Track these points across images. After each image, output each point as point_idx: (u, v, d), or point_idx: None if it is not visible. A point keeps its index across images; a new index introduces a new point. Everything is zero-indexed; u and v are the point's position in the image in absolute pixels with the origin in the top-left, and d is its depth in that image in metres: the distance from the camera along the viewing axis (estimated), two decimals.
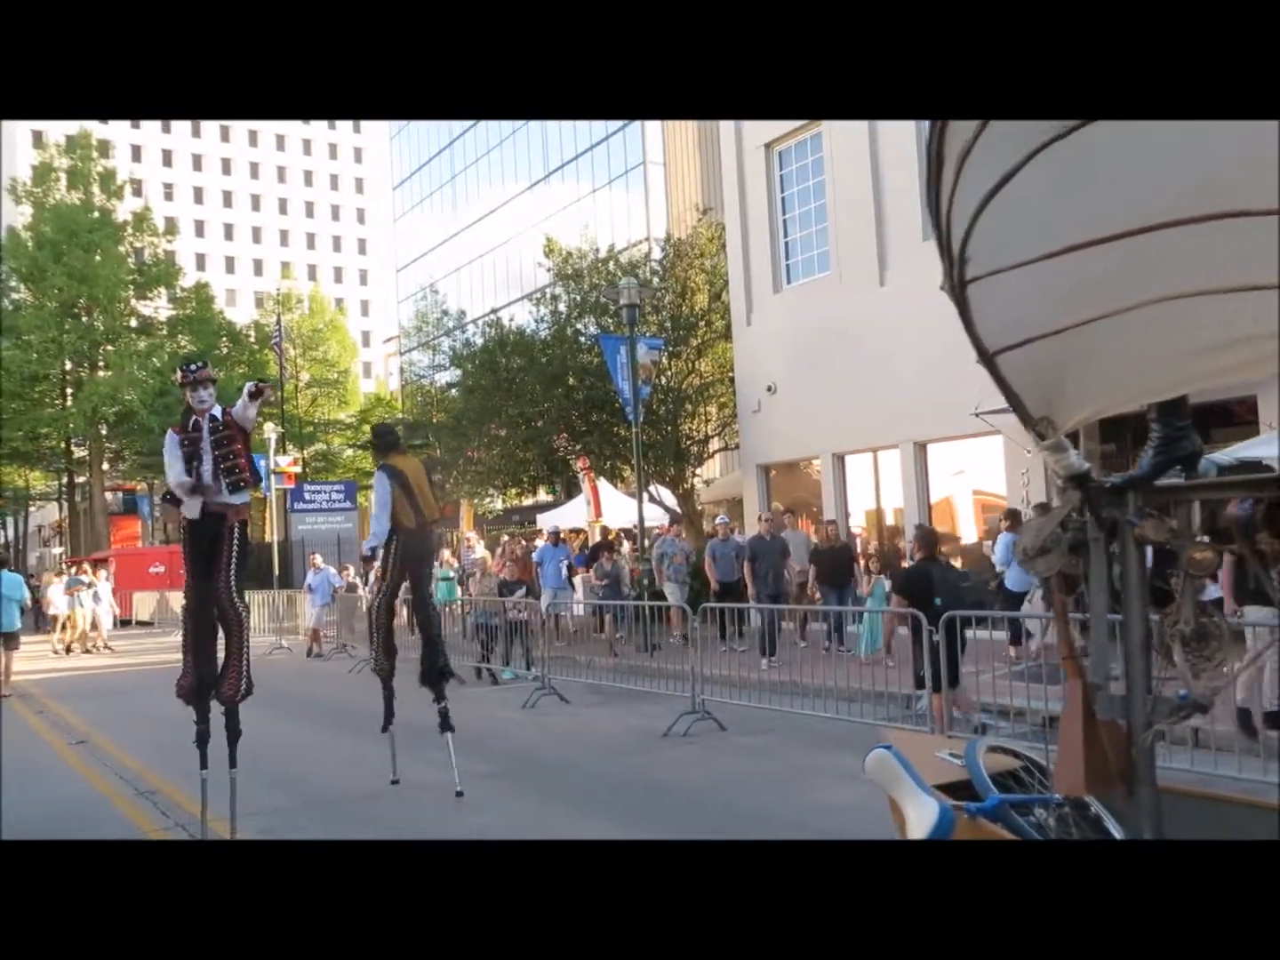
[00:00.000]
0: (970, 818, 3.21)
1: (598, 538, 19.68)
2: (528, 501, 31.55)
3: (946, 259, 2.13)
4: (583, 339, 20.46)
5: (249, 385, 5.85)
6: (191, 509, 5.86)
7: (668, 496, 20.27)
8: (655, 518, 19.75)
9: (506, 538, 25.31)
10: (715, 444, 22.01)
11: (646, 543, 15.91)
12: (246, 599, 6.07)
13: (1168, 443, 2.80)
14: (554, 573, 15.69)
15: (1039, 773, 3.45)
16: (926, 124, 1.84)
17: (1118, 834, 3.10)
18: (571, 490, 24.61)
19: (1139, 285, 2.21)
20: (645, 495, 17.33)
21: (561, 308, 21.23)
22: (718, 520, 15.63)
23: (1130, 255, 2.05)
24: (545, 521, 24.67)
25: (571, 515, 21.82)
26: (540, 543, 17.69)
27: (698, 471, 22.37)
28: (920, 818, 3.05)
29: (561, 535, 17.44)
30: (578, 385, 19.62)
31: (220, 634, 6.02)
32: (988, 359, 2.46)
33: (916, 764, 3.52)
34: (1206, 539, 2.85)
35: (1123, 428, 11.40)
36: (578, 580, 16.70)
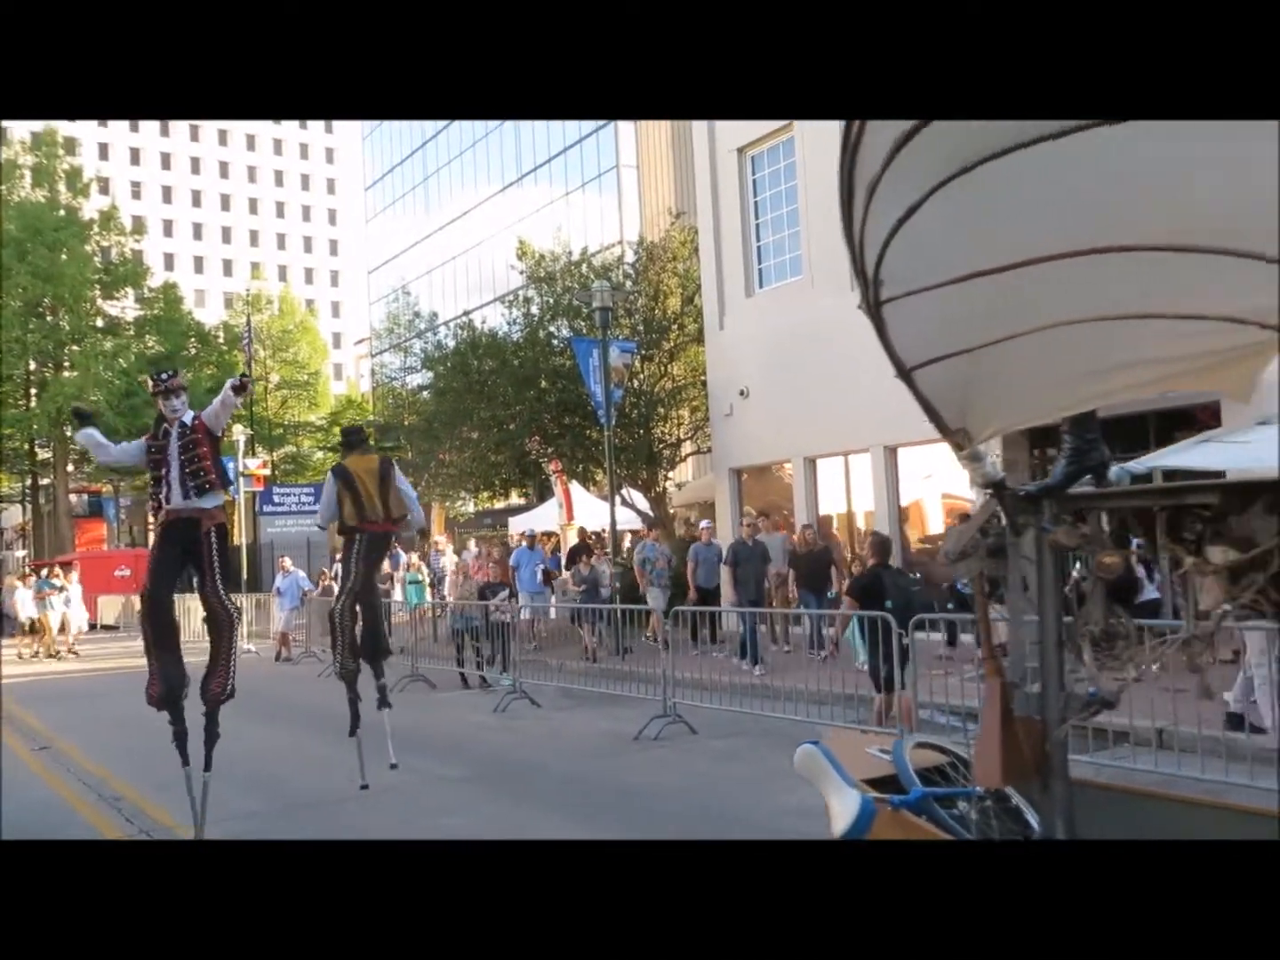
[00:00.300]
0: (893, 810, 3.34)
1: (570, 541, 19.64)
2: (499, 505, 31.44)
3: (862, 281, 2.26)
4: (555, 342, 20.44)
5: (232, 380, 5.97)
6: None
7: (640, 500, 20.28)
8: (627, 521, 19.75)
9: (473, 542, 25.24)
10: (687, 447, 22.05)
11: (625, 546, 15.91)
12: (238, 602, 6.10)
13: (1078, 453, 2.96)
14: (530, 577, 15.64)
15: (965, 767, 3.56)
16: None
17: (1036, 826, 3.23)
18: (543, 493, 24.56)
19: (1034, 311, 2.38)
20: (617, 499, 17.33)
21: (534, 310, 21.19)
22: (702, 525, 15.62)
23: (1026, 283, 2.20)
24: (517, 525, 24.60)
25: (543, 518, 21.76)
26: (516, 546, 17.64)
27: (670, 475, 22.40)
28: (842, 809, 3.17)
29: (537, 538, 17.39)
30: (550, 388, 19.59)
31: (205, 635, 6.09)
32: (905, 374, 2.63)
33: (848, 760, 3.69)
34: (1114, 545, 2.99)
35: (1056, 435, 11.55)
36: (556, 584, 16.66)
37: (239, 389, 5.93)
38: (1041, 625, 2.99)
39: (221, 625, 5.93)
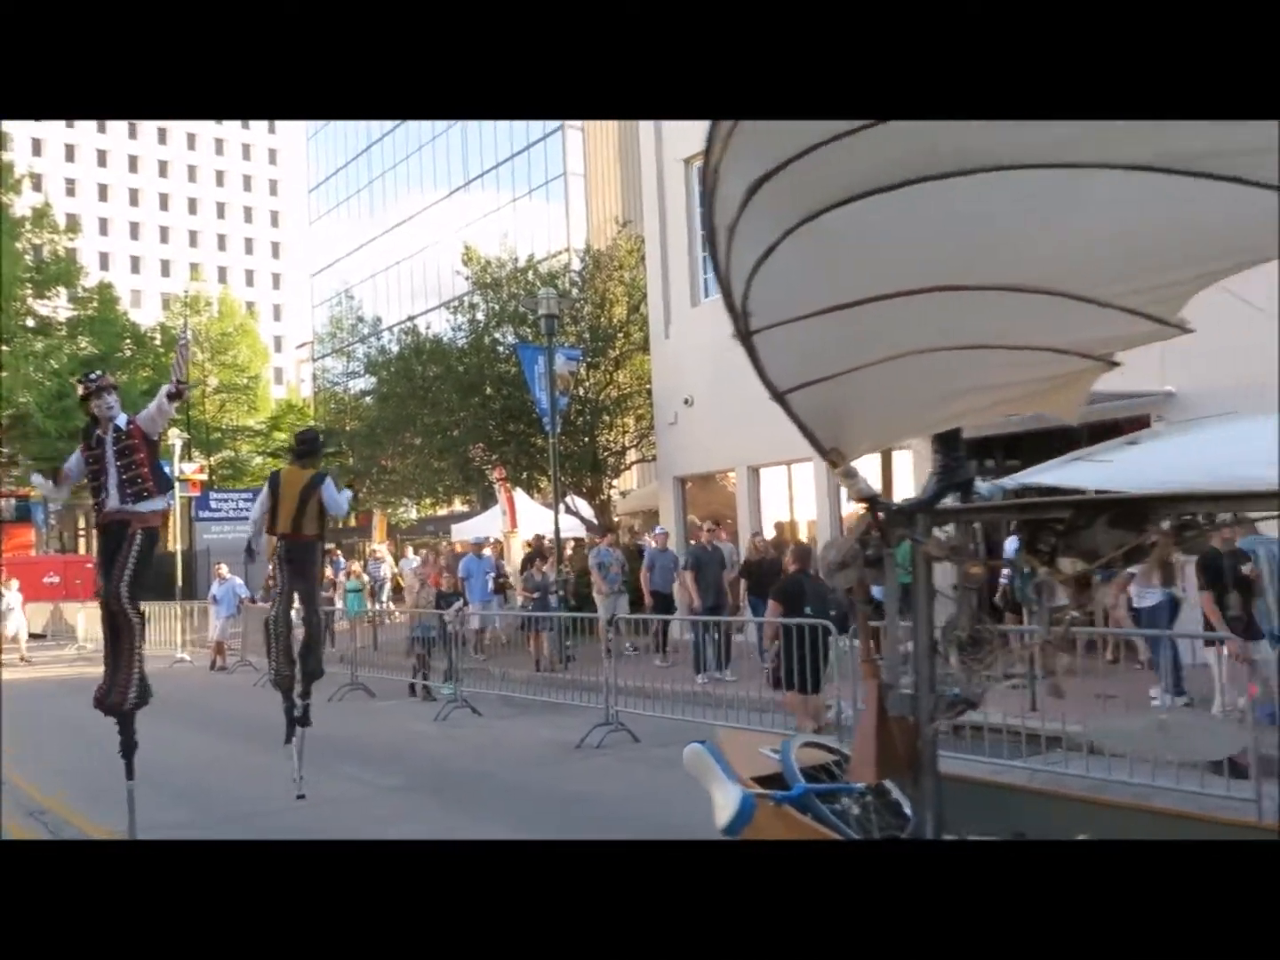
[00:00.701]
0: (776, 805, 3.53)
1: (513, 548, 19.54)
2: (442, 512, 31.20)
3: (732, 313, 2.41)
4: (500, 348, 20.35)
5: (167, 386, 5.82)
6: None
7: (584, 507, 20.26)
8: (571, 529, 19.70)
9: (411, 550, 24.98)
10: (632, 455, 22.08)
11: (568, 554, 15.82)
12: (143, 608, 5.91)
13: (946, 471, 3.20)
14: (480, 586, 15.48)
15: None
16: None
17: (914, 818, 3.42)
18: (487, 501, 24.41)
19: (887, 342, 2.59)
20: (562, 506, 17.28)
21: (479, 316, 21.08)
22: (656, 530, 15.59)
23: (878, 316, 2.40)
24: (460, 532, 24.42)
25: (487, 526, 21.63)
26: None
27: (614, 483, 22.41)
28: (725, 803, 3.35)
29: (485, 546, 17.25)
30: (495, 395, 19.50)
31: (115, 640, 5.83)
32: (779, 398, 2.83)
33: (740, 759, 3.95)
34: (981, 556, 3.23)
35: (994, 445, 11.83)
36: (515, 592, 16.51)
37: (175, 395, 5.80)
38: (915, 631, 3.17)
39: (121, 629, 5.74)
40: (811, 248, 2.15)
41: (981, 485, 3.35)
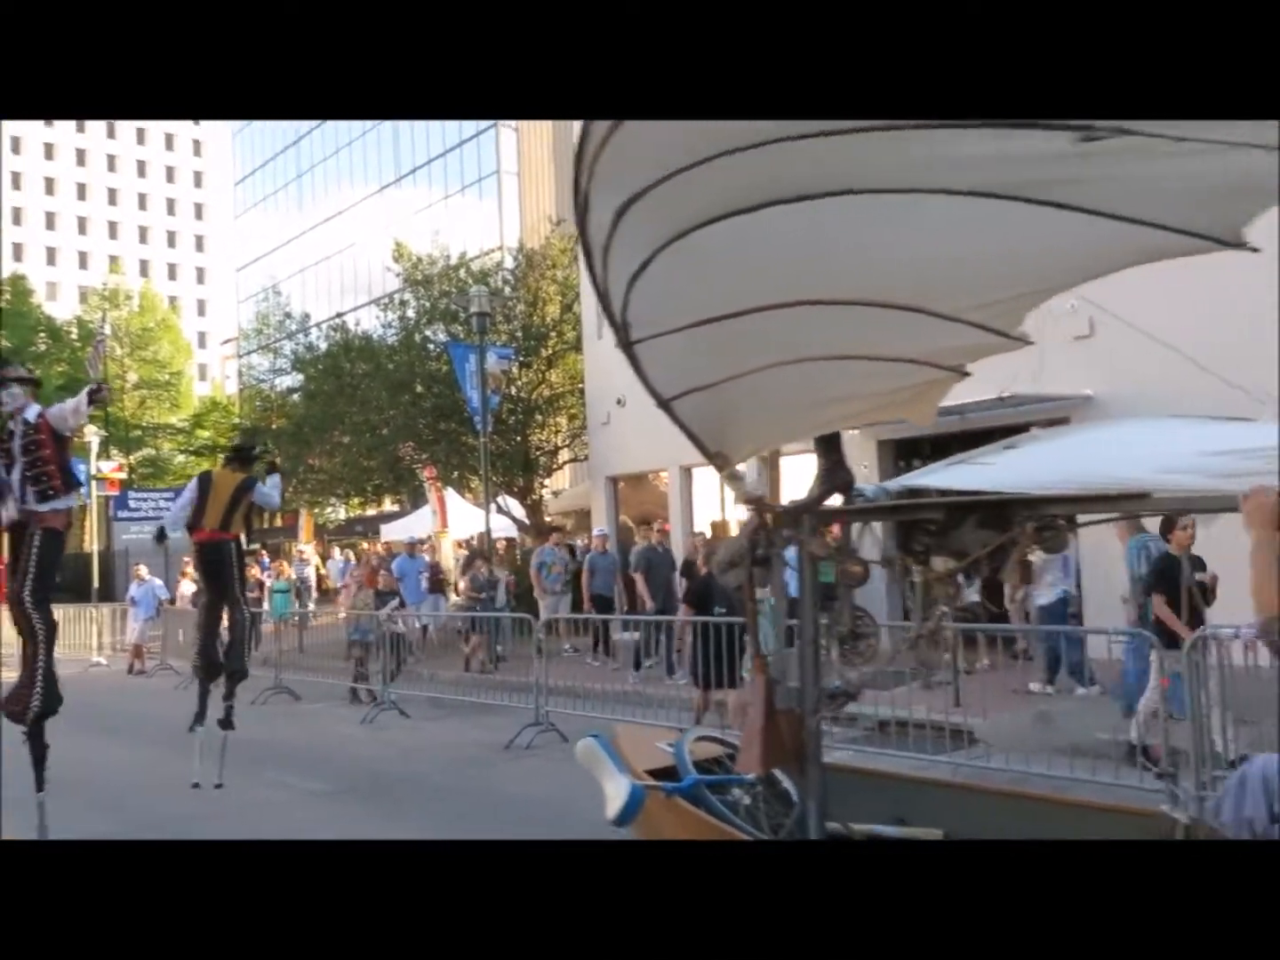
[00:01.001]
0: (666, 796, 3.67)
1: (444, 548, 19.33)
2: (371, 511, 30.77)
3: (612, 324, 2.54)
4: (431, 346, 20.13)
5: (90, 386, 5.71)
6: (7, 515, 5.59)
7: (515, 507, 20.14)
8: (502, 529, 19.57)
9: (339, 550, 24.59)
10: (564, 455, 22.01)
11: (502, 554, 15.67)
12: (53, 613, 5.70)
13: (827, 474, 3.37)
14: (414, 586, 15.24)
15: None
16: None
17: (798, 807, 3.59)
18: (417, 500, 24.13)
19: (759, 352, 2.74)
20: (493, 506, 17.16)
21: (410, 314, 20.84)
22: (595, 532, 15.51)
23: (748, 329, 2.54)
24: (390, 532, 24.10)
25: (417, 526, 21.37)
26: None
27: (546, 482, 22.32)
28: (615, 794, 3.44)
29: (419, 546, 17.02)
30: (425, 393, 19.28)
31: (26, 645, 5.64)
32: (664, 404, 2.96)
33: (638, 753, 4.13)
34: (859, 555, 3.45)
35: (921, 445, 12.06)
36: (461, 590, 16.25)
37: (94, 397, 5.65)
38: (801, 627, 3.31)
39: (24, 635, 5.55)
40: (682, 264, 2.26)
41: (867, 487, 3.50)
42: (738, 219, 2.11)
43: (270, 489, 7.65)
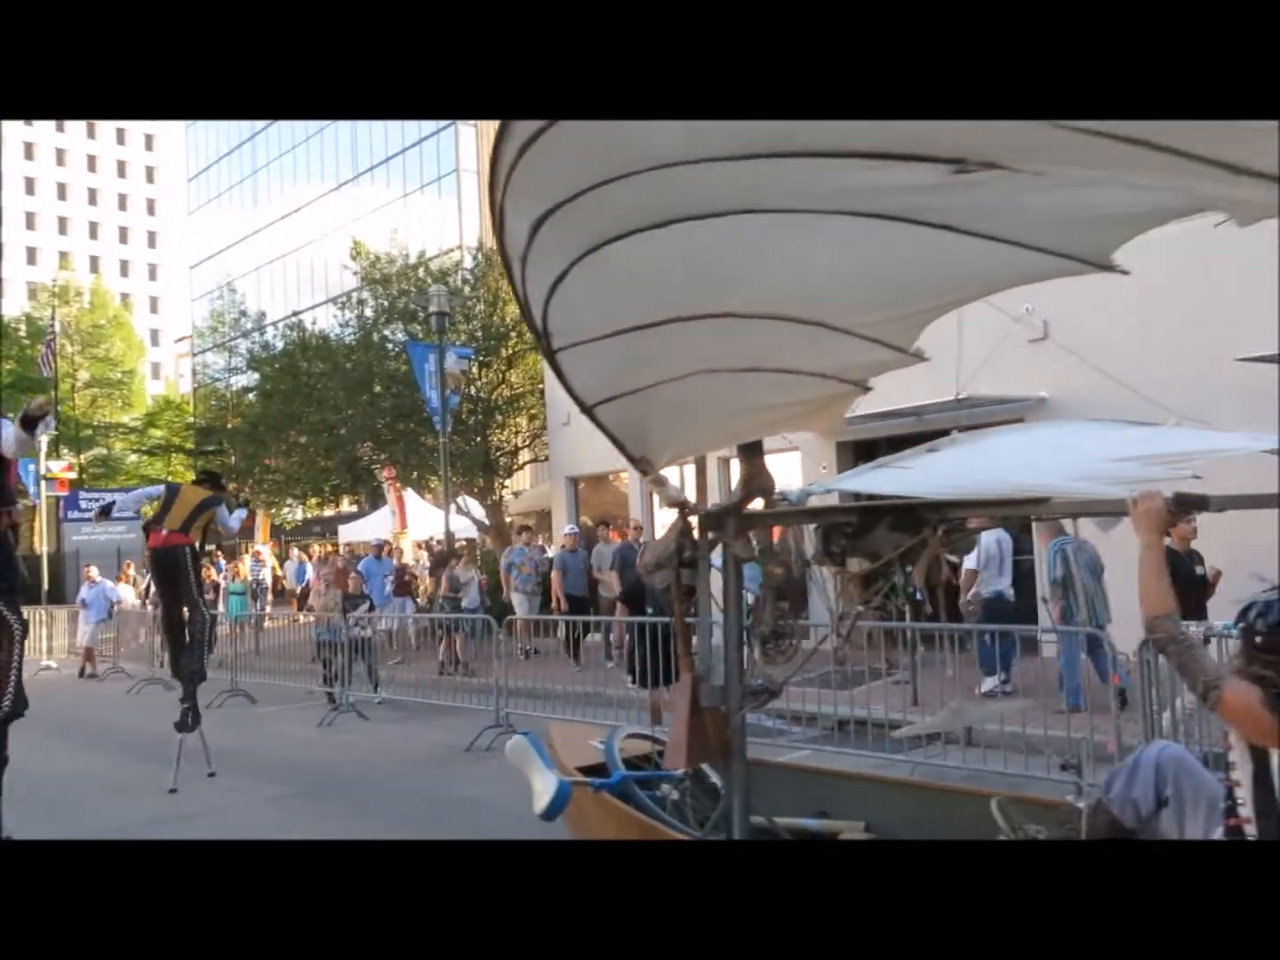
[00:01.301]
0: (594, 791, 3.77)
1: (404, 550, 19.19)
2: (329, 512, 30.48)
3: (534, 333, 2.63)
4: (390, 345, 19.98)
5: (22, 410, 5.29)
6: None
7: (475, 508, 20.04)
8: (462, 529, 19.47)
9: (298, 551, 24.33)
10: (525, 455, 21.95)
11: (478, 553, 15.51)
12: (21, 614, 5.57)
13: (748, 479, 3.50)
14: (380, 588, 15.07)
15: None
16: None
17: (723, 801, 3.68)
18: (376, 501, 23.93)
19: (675, 362, 2.85)
20: (453, 507, 17.06)
21: (368, 313, 20.65)
22: (565, 529, 15.44)
23: (664, 339, 2.64)
24: (348, 533, 23.88)
25: (376, 527, 21.19)
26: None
27: (506, 483, 22.23)
28: (543, 790, 3.55)
29: (386, 548, 16.85)
30: (384, 393, 19.13)
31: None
32: (587, 410, 3.05)
33: (570, 750, 4.21)
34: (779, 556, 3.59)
35: (879, 446, 12.16)
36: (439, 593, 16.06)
37: (28, 422, 5.18)
38: (725, 626, 3.43)
39: None
40: (598, 276, 2.34)
41: (792, 491, 3.68)
42: (649, 234, 2.18)
43: (234, 518, 7.97)
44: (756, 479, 3.49)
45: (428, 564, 18.22)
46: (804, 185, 2.02)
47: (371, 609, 13.22)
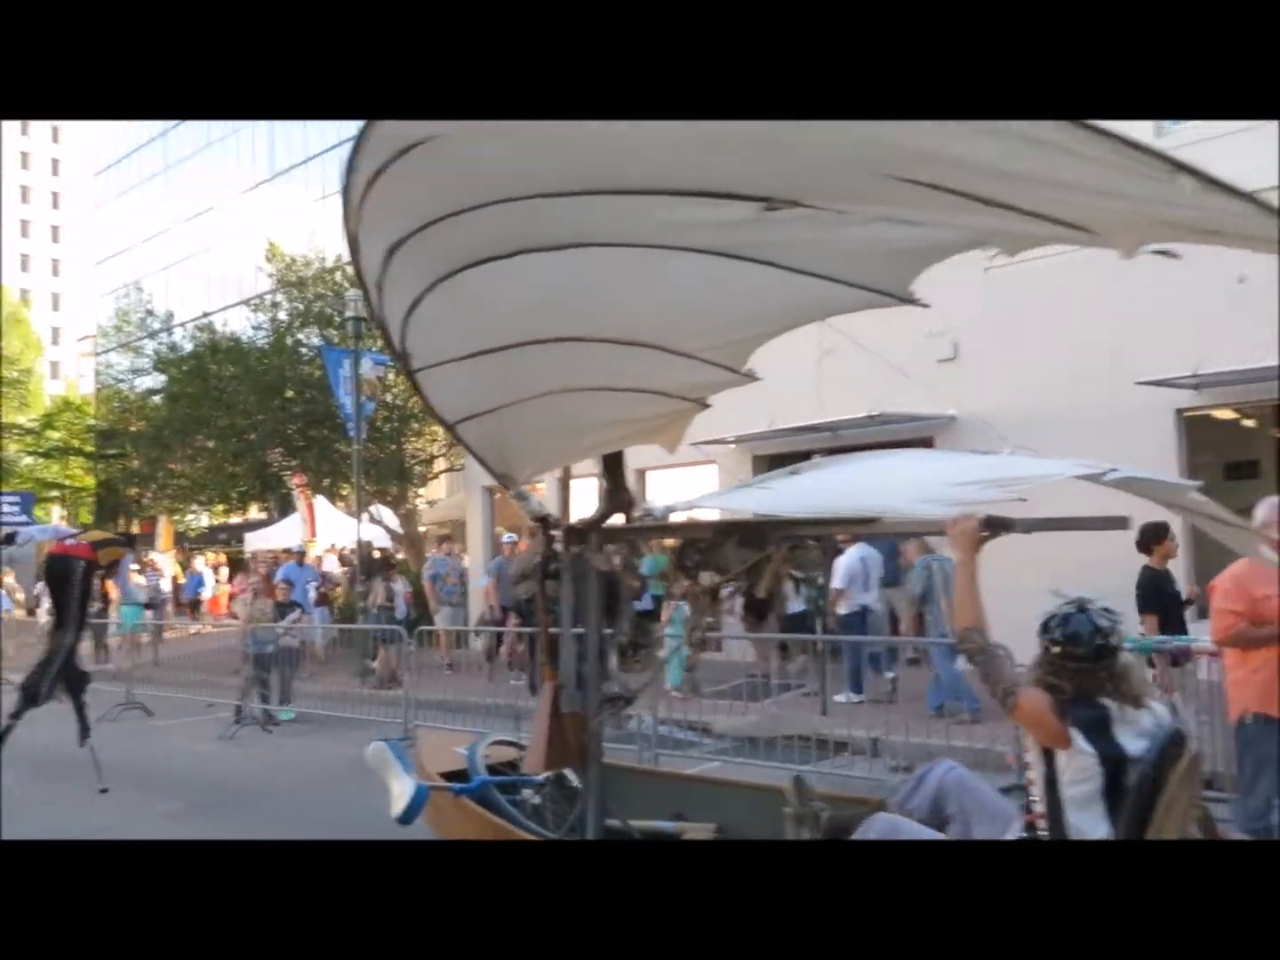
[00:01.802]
0: (454, 796, 3.86)
1: (320, 557, 18.73)
2: (235, 519, 29.65)
3: (393, 354, 2.77)
4: (304, 350, 19.55)
5: None
6: None
7: (389, 516, 19.70)
8: (375, 538, 19.11)
9: (202, 561, 23.65)
10: (440, 464, 21.66)
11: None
12: None
13: (609, 494, 3.64)
14: (302, 595, 14.61)
15: None
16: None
17: (580, 804, 3.84)
18: (285, 508, 23.36)
19: (528, 382, 2.99)
20: (365, 515, 16.74)
21: (282, 316, 20.20)
22: (504, 539, 15.23)
23: (517, 360, 2.77)
24: (254, 540, 23.28)
25: (285, 534, 20.66)
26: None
27: (420, 492, 21.91)
28: (400, 794, 3.63)
29: (305, 555, 16.39)
30: (296, 398, 18.70)
31: None
32: (449, 427, 3.18)
33: (438, 757, 4.35)
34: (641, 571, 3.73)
35: (793, 460, 12.34)
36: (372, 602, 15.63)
37: None
38: (586, 636, 3.55)
39: None
40: (453, 301, 2.45)
41: (656, 507, 3.82)
42: (500, 262, 2.31)
43: (122, 578, 7.94)
44: (616, 495, 3.64)
45: (346, 574, 17.81)
46: (631, 220, 2.15)
47: (302, 616, 12.85)
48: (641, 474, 15.17)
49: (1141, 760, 2.75)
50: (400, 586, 13.95)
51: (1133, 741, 2.78)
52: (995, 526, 2.91)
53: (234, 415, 18.46)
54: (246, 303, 25.30)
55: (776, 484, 3.78)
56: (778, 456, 13.18)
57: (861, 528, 3.38)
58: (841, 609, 9.95)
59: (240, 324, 23.15)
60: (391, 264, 2.27)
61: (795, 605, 10.48)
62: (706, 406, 3.37)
